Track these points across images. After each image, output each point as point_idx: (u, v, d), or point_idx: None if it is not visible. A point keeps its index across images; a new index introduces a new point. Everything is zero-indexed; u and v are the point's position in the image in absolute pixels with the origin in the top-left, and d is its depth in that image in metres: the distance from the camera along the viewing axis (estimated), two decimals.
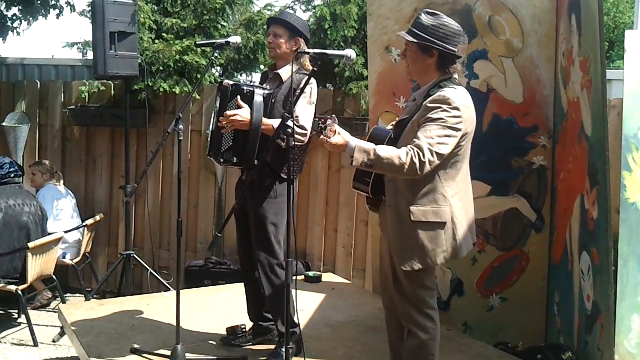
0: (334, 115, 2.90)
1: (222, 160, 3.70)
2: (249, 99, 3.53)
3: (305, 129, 3.57)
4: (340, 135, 2.89)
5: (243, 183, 3.75)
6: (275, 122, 3.45)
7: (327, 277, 5.40)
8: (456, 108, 2.90)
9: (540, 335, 4.31)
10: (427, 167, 2.85)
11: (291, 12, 3.77)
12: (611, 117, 4.76)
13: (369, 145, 2.90)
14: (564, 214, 3.97)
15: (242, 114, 3.50)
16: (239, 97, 3.54)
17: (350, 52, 3.21)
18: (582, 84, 3.51)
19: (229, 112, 3.51)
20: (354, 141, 2.89)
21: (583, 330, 3.58)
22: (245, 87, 3.59)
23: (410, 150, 2.84)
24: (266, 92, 3.60)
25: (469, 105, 3.00)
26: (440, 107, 2.89)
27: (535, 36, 4.21)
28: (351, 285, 5.36)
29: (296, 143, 3.53)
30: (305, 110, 3.59)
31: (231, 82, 3.66)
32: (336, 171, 5.72)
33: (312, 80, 3.60)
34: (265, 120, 3.53)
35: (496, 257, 4.40)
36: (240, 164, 3.71)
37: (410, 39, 3.00)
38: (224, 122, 3.53)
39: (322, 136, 2.84)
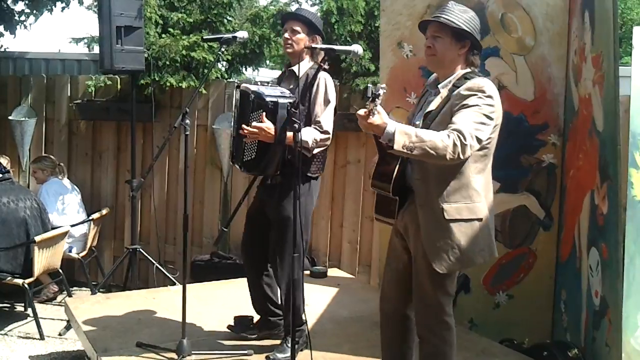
0: (385, 86, 2.69)
1: (244, 169, 3.69)
2: (272, 112, 3.45)
3: (329, 133, 3.57)
4: (379, 116, 2.69)
5: (266, 184, 3.74)
6: (302, 134, 3.41)
7: (333, 272, 5.40)
8: (490, 97, 2.84)
9: (546, 332, 4.30)
10: (468, 152, 2.73)
11: (307, 9, 3.76)
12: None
13: (410, 128, 2.74)
14: (572, 211, 3.96)
15: (267, 129, 3.44)
16: (264, 113, 3.46)
17: (357, 48, 3.19)
18: (595, 80, 3.50)
19: (253, 125, 3.45)
20: (393, 123, 2.71)
21: (590, 326, 3.57)
22: (268, 100, 3.47)
23: (451, 134, 2.71)
24: (289, 100, 3.49)
25: (498, 97, 2.93)
26: (476, 95, 2.81)
27: (548, 34, 4.20)
28: (356, 280, 5.37)
29: (322, 149, 3.58)
30: (325, 114, 3.57)
31: (251, 88, 3.55)
32: (342, 167, 5.72)
33: (327, 75, 3.58)
34: (288, 134, 3.45)
35: (504, 254, 4.38)
36: (262, 175, 3.73)
37: (453, 23, 2.88)
38: (247, 135, 3.49)
39: (370, 107, 2.64)
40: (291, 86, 3.67)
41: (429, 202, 2.90)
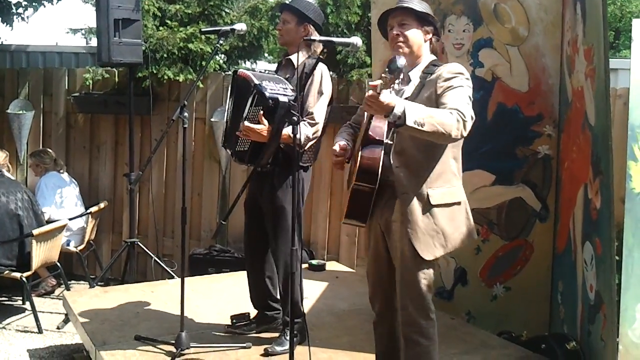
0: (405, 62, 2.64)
1: (235, 158, 3.70)
2: (271, 111, 3.42)
3: (319, 125, 3.57)
4: (388, 94, 2.63)
5: (257, 172, 3.73)
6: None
7: (331, 265, 5.41)
8: (469, 79, 2.87)
9: (544, 324, 4.31)
10: (468, 129, 2.72)
11: None
12: (618, 107, 4.75)
13: (417, 104, 2.70)
14: (567, 203, 3.96)
15: (260, 131, 3.43)
16: (262, 111, 3.43)
17: (356, 40, 3.18)
18: (586, 73, 3.49)
19: (247, 127, 3.45)
20: (400, 100, 2.66)
21: (586, 320, 3.58)
22: (269, 97, 3.41)
23: (452, 111, 2.69)
24: (290, 98, 3.44)
25: None
26: (458, 77, 2.84)
27: (542, 24, 4.18)
28: (355, 273, 5.36)
29: (312, 141, 3.56)
30: (318, 105, 3.56)
31: (254, 79, 3.48)
32: None
33: (323, 67, 3.56)
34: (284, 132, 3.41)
35: (500, 246, 4.39)
36: (252, 165, 3.71)
37: (418, 8, 2.93)
38: (242, 132, 3.48)
39: (387, 80, 2.56)
40: (287, 75, 3.67)
41: (412, 189, 2.87)
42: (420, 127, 2.62)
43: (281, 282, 3.70)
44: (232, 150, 3.67)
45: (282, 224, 3.62)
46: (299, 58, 3.56)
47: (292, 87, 3.55)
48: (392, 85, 2.58)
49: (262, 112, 3.44)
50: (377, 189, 2.93)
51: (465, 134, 2.73)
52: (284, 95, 3.46)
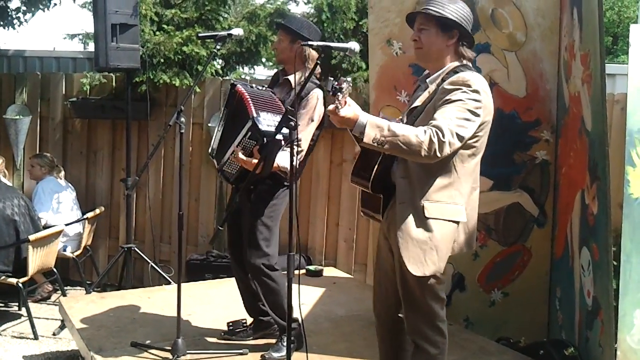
0: (349, 79, 2.66)
1: (220, 175, 3.73)
2: (264, 148, 3.35)
3: (303, 150, 3.56)
4: (351, 108, 2.59)
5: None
6: (280, 160, 3.35)
7: (329, 271, 5.39)
8: (476, 91, 2.69)
9: (542, 330, 4.30)
10: (447, 150, 2.59)
11: (298, 15, 3.73)
12: (615, 112, 4.76)
13: (383, 121, 2.61)
14: (565, 208, 3.96)
15: (252, 164, 3.39)
16: (257, 146, 3.41)
17: (354, 45, 3.17)
18: (583, 78, 3.49)
19: (242, 158, 3.44)
20: (365, 115, 2.60)
21: (584, 326, 3.57)
22: (262, 131, 3.35)
23: (428, 129, 2.58)
24: (285, 134, 3.22)
25: (488, 92, 2.79)
26: (460, 89, 2.68)
27: (539, 30, 4.18)
28: (353, 279, 5.35)
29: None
30: (306, 131, 3.54)
31: (249, 99, 3.44)
32: (338, 165, 5.71)
33: (319, 92, 3.55)
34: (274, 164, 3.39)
35: (498, 252, 4.38)
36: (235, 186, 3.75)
37: (437, 13, 2.76)
38: (232, 159, 3.50)
39: (335, 102, 2.55)
40: (283, 96, 3.66)
41: (409, 199, 2.77)
42: (379, 146, 2.60)
43: (260, 294, 3.69)
44: (219, 167, 3.68)
45: (254, 236, 3.62)
46: (295, 77, 3.56)
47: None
48: (339, 104, 2.56)
49: (256, 146, 3.42)
50: (384, 193, 2.90)
51: (441, 155, 2.61)
52: (277, 135, 3.42)
